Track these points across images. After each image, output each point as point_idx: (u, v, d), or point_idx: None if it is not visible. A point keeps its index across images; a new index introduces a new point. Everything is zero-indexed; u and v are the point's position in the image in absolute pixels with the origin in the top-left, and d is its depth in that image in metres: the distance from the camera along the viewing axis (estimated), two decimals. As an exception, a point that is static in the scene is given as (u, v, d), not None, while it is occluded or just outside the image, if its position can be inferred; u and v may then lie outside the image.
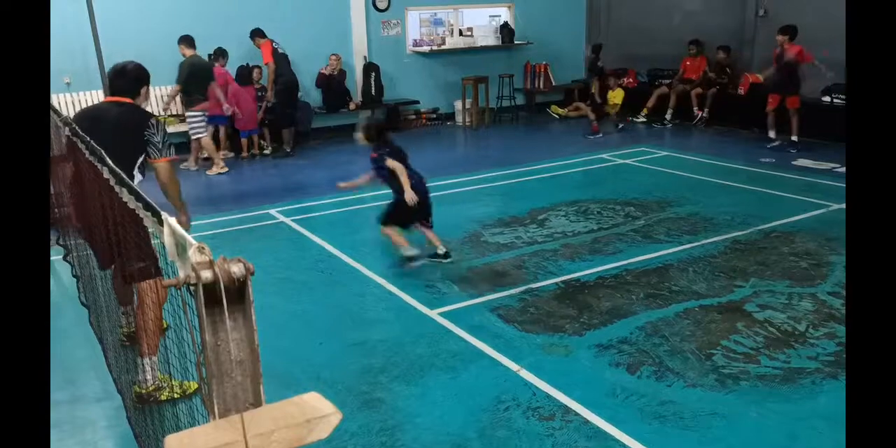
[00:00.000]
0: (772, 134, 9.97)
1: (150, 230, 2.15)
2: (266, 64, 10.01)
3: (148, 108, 4.36)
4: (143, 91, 4.10)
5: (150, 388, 3.65)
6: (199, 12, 10.20)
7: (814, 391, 3.80)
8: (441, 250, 5.76)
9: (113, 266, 3.60)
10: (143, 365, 3.68)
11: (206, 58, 9.49)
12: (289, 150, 10.34)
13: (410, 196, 5.41)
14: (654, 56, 12.43)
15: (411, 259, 5.65)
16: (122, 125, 3.94)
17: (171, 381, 3.68)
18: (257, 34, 10.04)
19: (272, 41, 10.01)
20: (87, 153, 3.00)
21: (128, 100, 4.04)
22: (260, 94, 10.20)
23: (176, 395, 3.62)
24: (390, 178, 5.57)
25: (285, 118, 10.28)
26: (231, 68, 9.91)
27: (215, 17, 10.27)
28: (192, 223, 4.58)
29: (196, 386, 3.55)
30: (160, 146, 3.92)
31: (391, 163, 5.48)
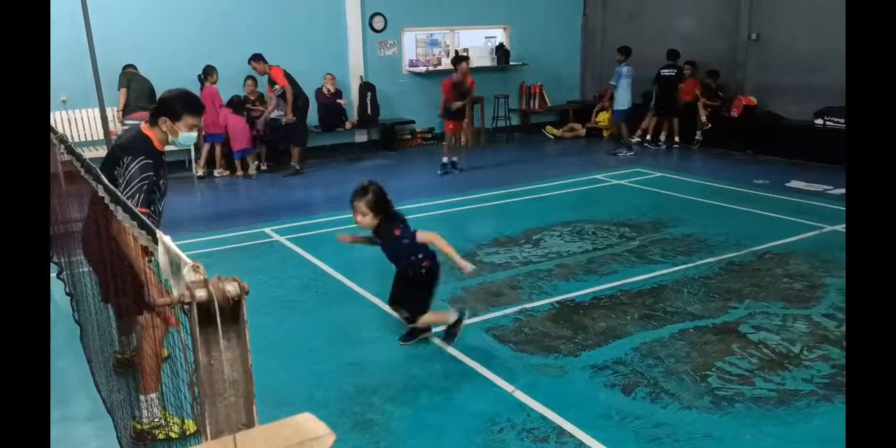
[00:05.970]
0: (446, 159, 10.27)
1: (150, 263, 2.03)
2: (282, 87, 9.90)
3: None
4: (160, 122, 3.61)
5: (148, 426, 3.55)
6: (197, 30, 10.27)
7: (809, 413, 3.78)
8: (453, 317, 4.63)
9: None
10: (142, 401, 3.54)
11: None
12: (298, 168, 10.30)
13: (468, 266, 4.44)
14: (648, 78, 12.52)
15: (459, 322, 4.62)
16: (107, 155, 3.75)
17: (171, 418, 3.56)
18: (261, 58, 9.85)
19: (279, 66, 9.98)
20: (82, 171, 2.98)
21: (145, 127, 3.67)
22: (252, 115, 10.22)
23: (174, 435, 3.52)
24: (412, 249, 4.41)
25: (297, 136, 10.27)
26: (222, 90, 9.95)
27: (213, 35, 10.34)
28: (187, 242, 4.31)
29: (195, 428, 3.38)
30: (124, 189, 3.36)
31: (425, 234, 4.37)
